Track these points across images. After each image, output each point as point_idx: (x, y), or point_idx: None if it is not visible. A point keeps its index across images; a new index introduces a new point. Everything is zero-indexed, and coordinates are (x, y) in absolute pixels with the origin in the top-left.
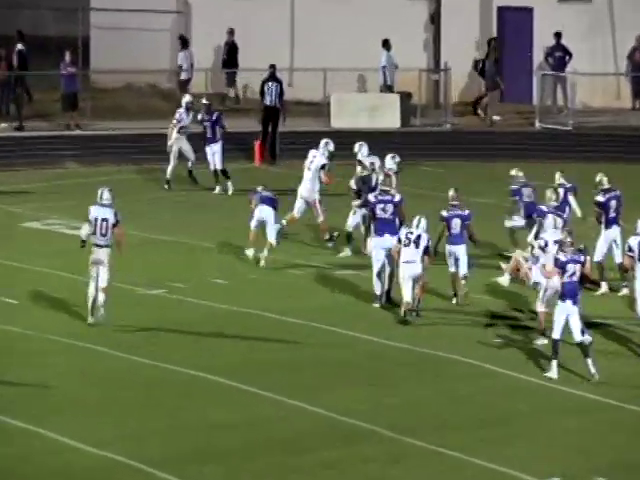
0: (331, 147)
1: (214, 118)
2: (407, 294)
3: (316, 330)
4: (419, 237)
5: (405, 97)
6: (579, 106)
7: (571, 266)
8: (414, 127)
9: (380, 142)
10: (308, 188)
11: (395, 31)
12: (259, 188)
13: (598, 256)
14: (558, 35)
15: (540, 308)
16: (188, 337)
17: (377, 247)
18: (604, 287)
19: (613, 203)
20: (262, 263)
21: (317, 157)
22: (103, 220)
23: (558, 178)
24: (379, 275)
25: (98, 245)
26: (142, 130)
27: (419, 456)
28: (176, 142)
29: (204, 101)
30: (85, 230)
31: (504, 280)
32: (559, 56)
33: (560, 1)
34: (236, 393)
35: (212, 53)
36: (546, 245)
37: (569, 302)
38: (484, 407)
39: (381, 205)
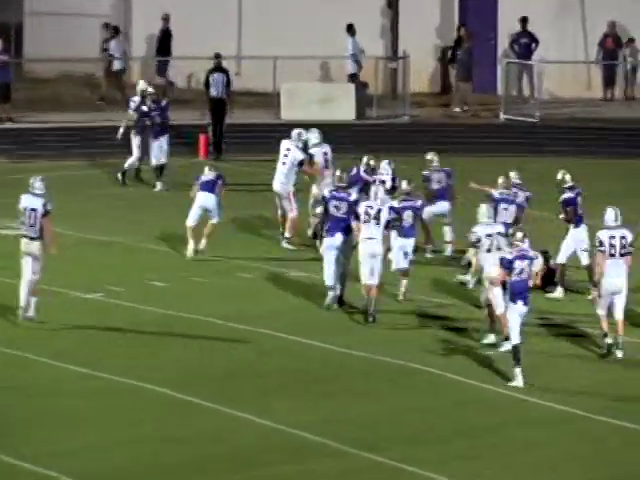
0: (304, 136)
1: (163, 107)
2: (365, 275)
3: (264, 337)
4: (379, 212)
5: (361, 87)
6: (546, 96)
7: (518, 263)
8: (370, 119)
9: (334, 135)
10: (282, 182)
11: (350, 16)
12: (206, 169)
13: (562, 257)
14: (524, 20)
15: (500, 310)
16: (127, 345)
17: (328, 247)
18: (559, 291)
19: (580, 200)
20: (202, 245)
21: (292, 150)
22: (32, 210)
23: (513, 177)
24: (330, 276)
25: (29, 237)
26: (80, 123)
27: (376, 472)
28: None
29: (150, 90)
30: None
31: (466, 279)
32: (525, 43)
33: None
34: (180, 405)
35: (153, 41)
36: (478, 241)
37: (520, 303)
38: (446, 419)
39: (335, 202)
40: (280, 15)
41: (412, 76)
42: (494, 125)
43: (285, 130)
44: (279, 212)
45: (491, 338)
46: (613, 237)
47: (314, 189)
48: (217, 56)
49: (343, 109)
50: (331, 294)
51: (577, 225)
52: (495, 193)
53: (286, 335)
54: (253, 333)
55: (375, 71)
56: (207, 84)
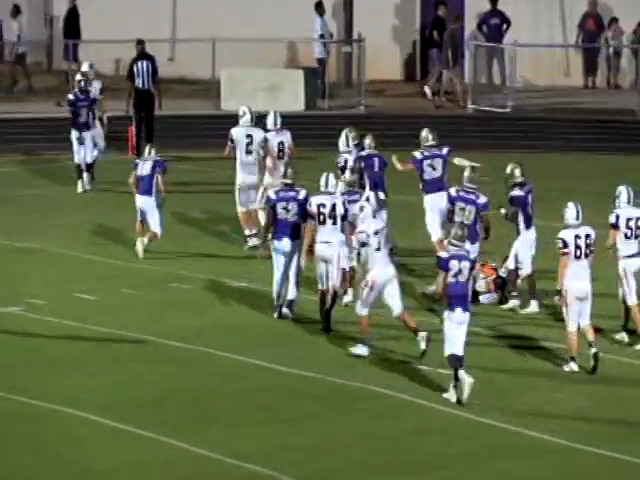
0: (253, 113)
1: (92, 98)
2: (320, 280)
3: (203, 356)
4: (334, 208)
5: (310, 74)
6: (520, 84)
7: (455, 263)
8: (322, 110)
9: None
10: (254, 172)
11: None
12: (146, 150)
13: (528, 267)
14: None
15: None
16: (49, 364)
17: (277, 253)
18: (533, 305)
19: (530, 198)
20: (139, 253)
21: (255, 134)
22: None
23: (427, 137)
24: (280, 283)
25: None
26: None
27: None
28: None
29: (78, 77)
30: None
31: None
32: (495, 24)
33: None
34: (110, 433)
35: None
36: (367, 237)
37: (459, 310)
38: (408, 448)
39: (283, 203)
40: None
41: (369, 62)
42: (461, 117)
43: (226, 123)
44: (241, 209)
45: (361, 349)
46: (578, 237)
47: (266, 178)
48: (139, 42)
49: (291, 99)
50: (277, 310)
51: (527, 227)
52: (451, 191)
53: (227, 354)
54: (190, 352)
55: (327, 56)
56: (131, 75)
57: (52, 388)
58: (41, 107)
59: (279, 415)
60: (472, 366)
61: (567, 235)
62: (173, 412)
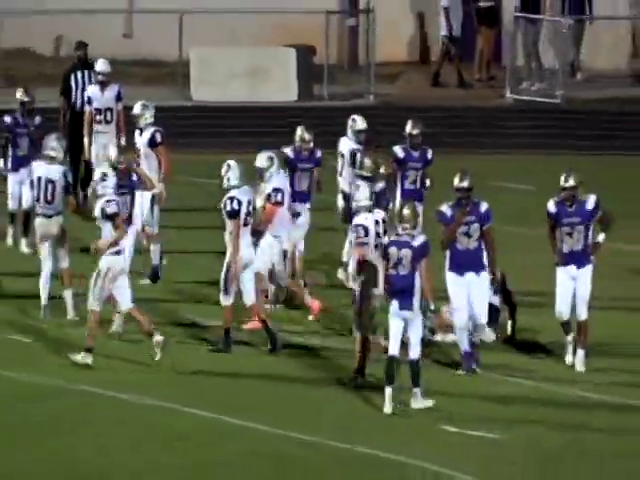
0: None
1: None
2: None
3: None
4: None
5: (305, 53)
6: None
7: (394, 251)
8: (320, 101)
9: (266, 122)
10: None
11: None
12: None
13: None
14: None
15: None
16: None
17: None
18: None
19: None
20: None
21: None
22: None
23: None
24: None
25: None
26: None
27: None
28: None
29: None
30: None
31: None
32: None
33: None
34: None
35: None
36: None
37: (396, 304)
38: None
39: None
40: None
41: (380, 38)
42: (496, 109)
43: (197, 117)
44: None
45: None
46: (377, 223)
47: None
48: (80, 46)
49: (279, 86)
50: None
51: None
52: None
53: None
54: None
55: (326, 31)
56: (67, 90)
57: None
58: None
59: None
60: None
61: (366, 221)
62: None
